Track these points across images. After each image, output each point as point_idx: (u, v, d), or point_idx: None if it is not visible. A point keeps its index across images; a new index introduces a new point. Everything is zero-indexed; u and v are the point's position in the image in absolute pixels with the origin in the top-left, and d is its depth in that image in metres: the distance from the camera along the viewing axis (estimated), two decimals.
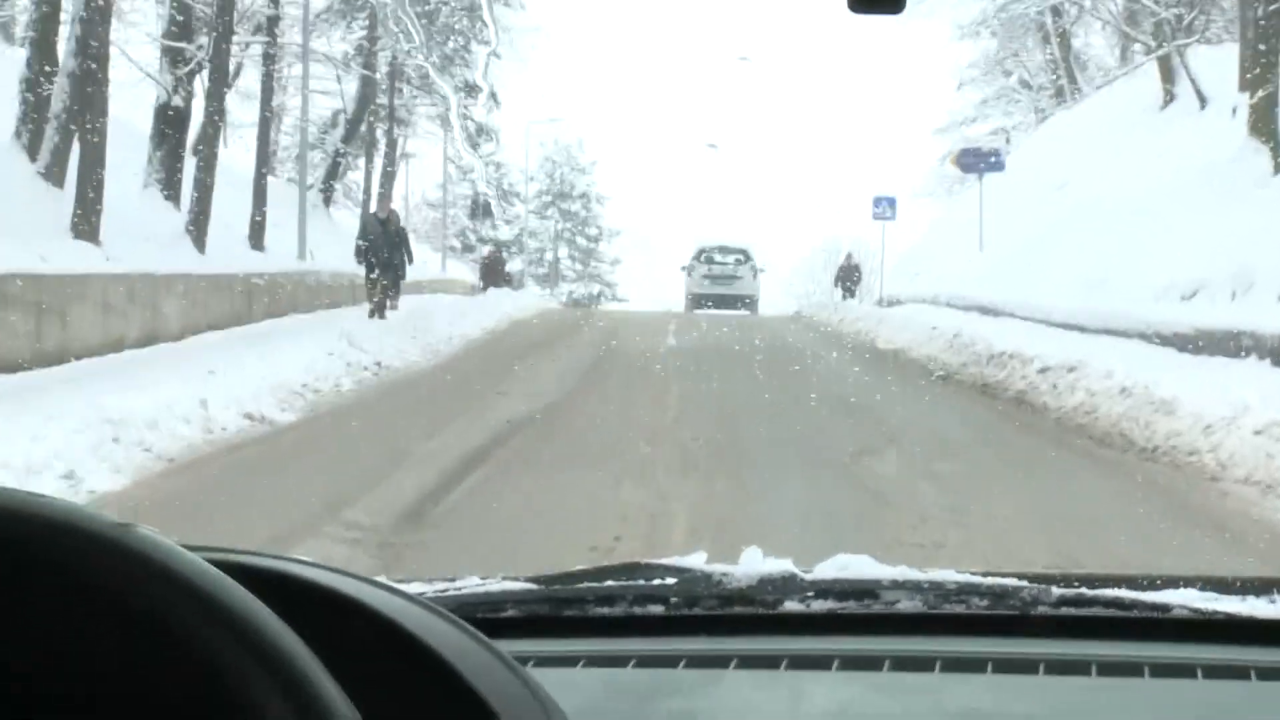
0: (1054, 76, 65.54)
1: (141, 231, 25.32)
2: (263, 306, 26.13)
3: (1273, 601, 2.22)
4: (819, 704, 2.00)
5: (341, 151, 43.77)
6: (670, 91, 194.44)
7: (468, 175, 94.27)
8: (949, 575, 2.27)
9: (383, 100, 46.66)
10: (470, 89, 49.61)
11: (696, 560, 2.39)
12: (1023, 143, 59.49)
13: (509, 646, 1.27)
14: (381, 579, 1.31)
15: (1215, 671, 2.01)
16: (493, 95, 49.93)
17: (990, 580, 2.24)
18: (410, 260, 31.66)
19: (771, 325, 34.65)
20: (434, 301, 33.46)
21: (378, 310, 29.26)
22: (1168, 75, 40.15)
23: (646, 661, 2.11)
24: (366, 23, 43.57)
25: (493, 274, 46.84)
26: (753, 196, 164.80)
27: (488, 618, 2.16)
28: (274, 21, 35.02)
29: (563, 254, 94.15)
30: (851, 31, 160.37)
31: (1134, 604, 2.18)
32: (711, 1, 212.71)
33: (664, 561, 2.40)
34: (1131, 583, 2.32)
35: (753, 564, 2.31)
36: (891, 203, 48.27)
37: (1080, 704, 1.96)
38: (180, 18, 32.63)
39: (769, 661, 2.09)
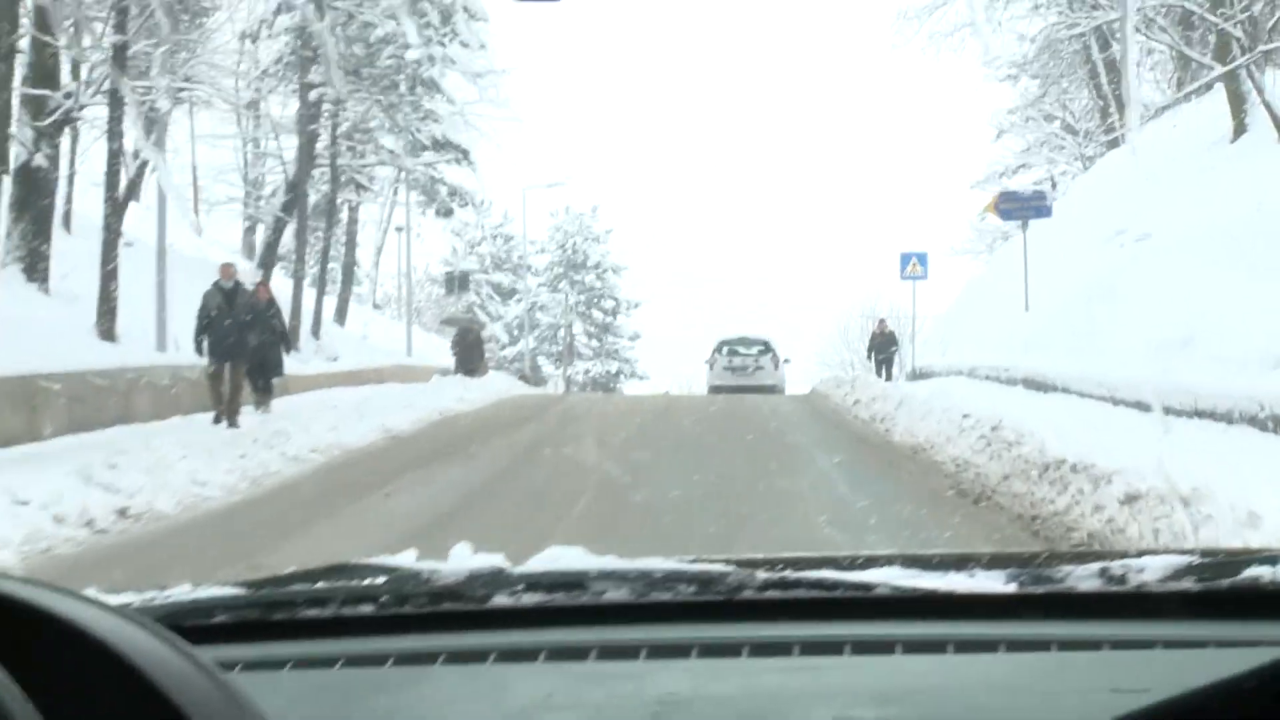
0: (1102, 118, 59.49)
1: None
2: (61, 418, 19.72)
3: (971, 576, 2.25)
4: (524, 695, 2.00)
5: (283, 220, 37.59)
6: (686, 150, 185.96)
7: (474, 249, 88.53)
8: (657, 564, 2.29)
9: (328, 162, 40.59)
10: (439, 146, 43.42)
11: (407, 558, 2.47)
12: (1070, 187, 52.98)
13: (216, 653, 1.30)
14: (86, 592, 1.28)
15: (913, 646, 2.08)
16: (462, 154, 43.70)
17: (697, 567, 2.28)
18: (287, 347, 25.33)
19: (775, 410, 28.26)
20: (352, 396, 27.31)
21: (227, 415, 23.05)
22: (1237, 104, 33.89)
23: (355, 661, 2.12)
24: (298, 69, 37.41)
25: (469, 355, 40.55)
26: (782, 260, 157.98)
27: (197, 625, 2.18)
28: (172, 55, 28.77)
29: (577, 330, 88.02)
30: (882, 79, 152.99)
31: (837, 584, 2.24)
32: (724, 54, 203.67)
33: (374, 561, 2.44)
34: (835, 563, 2.37)
35: (462, 560, 2.45)
36: (922, 259, 42.02)
37: (781, 684, 1.98)
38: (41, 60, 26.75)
39: (476, 656, 2.12)
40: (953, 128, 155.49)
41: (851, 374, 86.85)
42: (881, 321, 44.09)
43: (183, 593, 2.35)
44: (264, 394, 24.63)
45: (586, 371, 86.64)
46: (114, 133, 28.69)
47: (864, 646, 2.09)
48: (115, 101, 27.56)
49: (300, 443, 18.26)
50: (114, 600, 1.26)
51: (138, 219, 39.03)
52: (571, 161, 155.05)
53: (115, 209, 28.31)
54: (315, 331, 37.73)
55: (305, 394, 28.16)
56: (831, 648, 2.08)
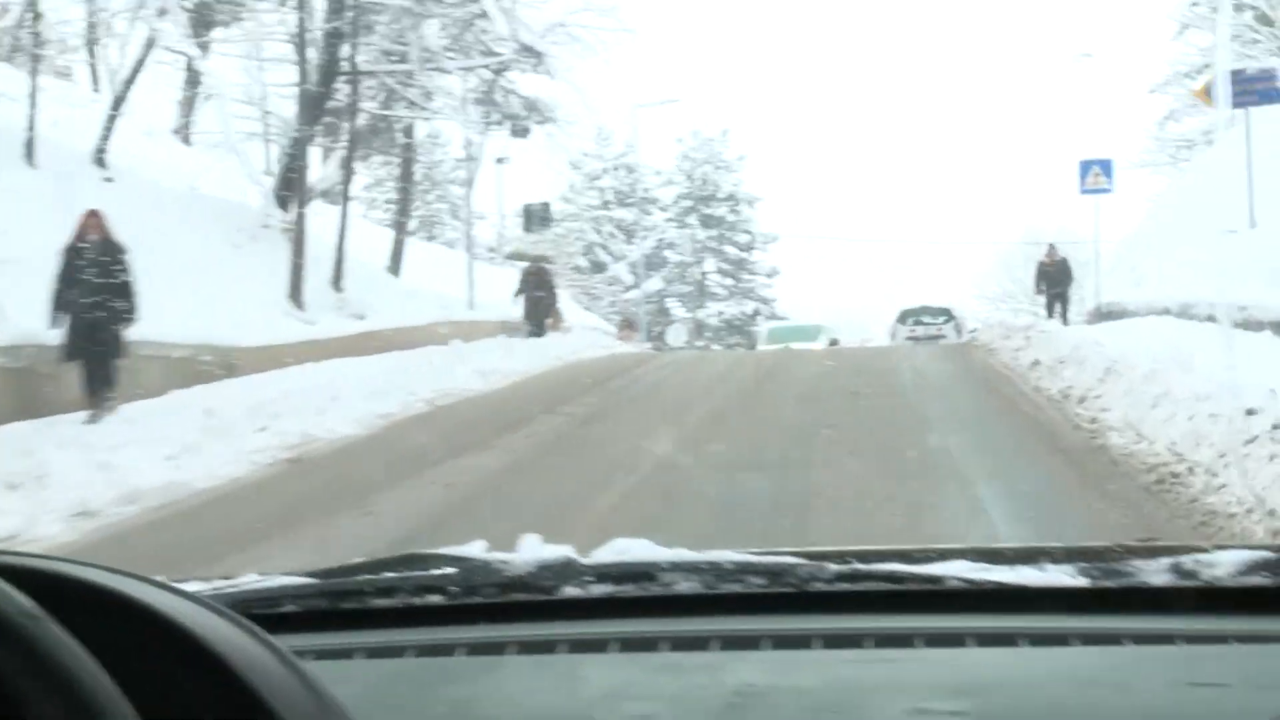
0: None
1: None
2: None
3: (1041, 570, 2.22)
4: (596, 686, 1.98)
5: (303, 137, 29.92)
6: (818, 68, 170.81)
7: (594, 182, 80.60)
8: (727, 555, 2.27)
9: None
10: (514, 52, 35.42)
11: (475, 549, 2.40)
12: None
13: (287, 641, 1.27)
14: (159, 578, 1.28)
15: (985, 639, 2.05)
16: (535, 57, 35.60)
17: (768, 559, 2.26)
18: (128, 315, 16.90)
19: (920, 373, 20.27)
20: (309, 379, 19.71)
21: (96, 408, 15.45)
22: None
23: (425, 651, 2.13)
24: None
25: (536, 305, 32.42)
26: (932, 185, 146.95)
27: (265, 613, 2.13)
28: None
29: (709, 267, 79.79)
30: None
31: (908, 577, 2.21)
32: None
33: (442, 551, 2.39)
34: (906, 556, 2.32)
35: (531, 551, 2.33)
36: (1106, 167, 33.59)
37: (855, 676, 1.97)
38: None
39: (547, 646, 2.11)
40: (1124, 24, 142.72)
41: (1017, 314, 77.45)
42: (1051, 248, 35.28)
43: (250, 581, 2.35)
44: (99, 389, 16.55)
45: (720, 313, 78.52)
46: None
47: (936, 639, 2.06)
48: None
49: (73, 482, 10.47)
50: (185, 588, 1.25)
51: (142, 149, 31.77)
52: (692, 81, 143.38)
53: None
54: (336, 282, 29.95)
55: (256, 375, 20.34)
56: (903, 640, 2.06)
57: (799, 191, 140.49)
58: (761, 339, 47.30)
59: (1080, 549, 2.37)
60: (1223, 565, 2.15)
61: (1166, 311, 26.55)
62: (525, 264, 36.05)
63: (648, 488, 11.62)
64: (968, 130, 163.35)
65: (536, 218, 44.49)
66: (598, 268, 78.42)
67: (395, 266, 37.84)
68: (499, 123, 38.22)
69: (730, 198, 79.41)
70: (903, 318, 49.34)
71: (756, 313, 78.69)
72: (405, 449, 14.58)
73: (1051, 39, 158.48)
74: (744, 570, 2.23)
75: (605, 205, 79.94)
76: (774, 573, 2.22)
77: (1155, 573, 2.18)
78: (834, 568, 2.21)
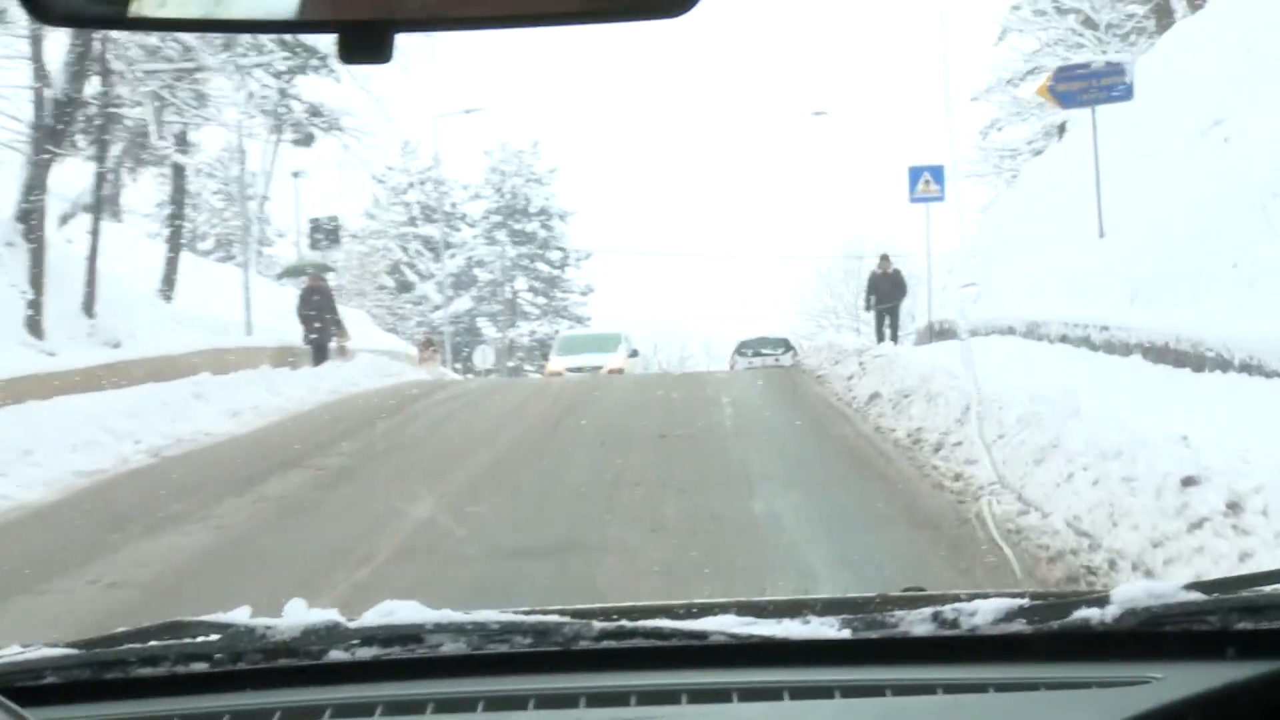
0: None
1: None
2: None
3: (805, 622, 2.24)
4: None
5: (40, 146, 26.37)
6: (631, 75, 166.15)
7: (400, 196, 77.07)
8: (492, 616, 2.28)
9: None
10: (285, 49, 32.07)
11: (241, 615, 2.37)
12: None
13: (49, 714, 1.26)
14: None
15: (750, 694, 2.09)
16: (320, 60, 32.32)
17: (534, 618, 2.28)
18: None
19: (742, 407, 17.57)
20: None
21: None
22: None
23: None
24: None
25: (316, 323, 28.87)
26: (748, 201, 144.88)
27: (28, 686, 2.15)
28: None
29: (520, 286, 76.75)
30: None
31: (673, 633, 2.23)
32: None
33: (208, 618, 2.37)
34: (670, 612, 2.35)
35: (297, 615, 2.31)
36: (937, 174, 31.18)
37: None
38: None
39: (312, 712, 2.10)
40: (944, 31, 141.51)
41: (839, 330, 75.07)
42: (884, 259, 32.60)
43: (12, 654, 2.28)
44: None
45: (533, 333, 75.44)
46: None
47: (701, 695, 2.10)
48: None
49: None
50: None
51: None
52: (497, 90, 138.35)
53: None
54: (88, 307, 26.41)
55: None
56: (668, 696, 2.09)
57: (613, 206, 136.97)
58: (555, 350, 43.31)
59: (844, 600, 2.44)
60: (981, 614, 2.20)
61: (1011, 330, 24.08)
62: (305, 277, 32.07)
63: (386, 583, 8.61)
64: (787, 143, 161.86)
65: (324, 233, 41.01)
66: (405, 287, 74.98)
67: (168, 289, 34.28)
68: (278, 130, 34.88)
69: (542, 212, 76.53)
70: (741, 349, 48.42)
71: (635, 352, 75.84)
72: (90, 522, 11.39)
73: (868, 46, 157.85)
74: (509, 630, 2.25)
75: (412, 221, 76.53)
76: (539, 632, 2.24)
77: (917, 623, 2.22)
78: (599, 625, 2.23)
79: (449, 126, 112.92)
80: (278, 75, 33.61)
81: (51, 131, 26.62)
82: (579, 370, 37.50)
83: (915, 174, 31.09)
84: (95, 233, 27.02)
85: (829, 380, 20.41)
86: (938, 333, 30.58)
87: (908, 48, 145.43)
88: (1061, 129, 36.92)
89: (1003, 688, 2.08)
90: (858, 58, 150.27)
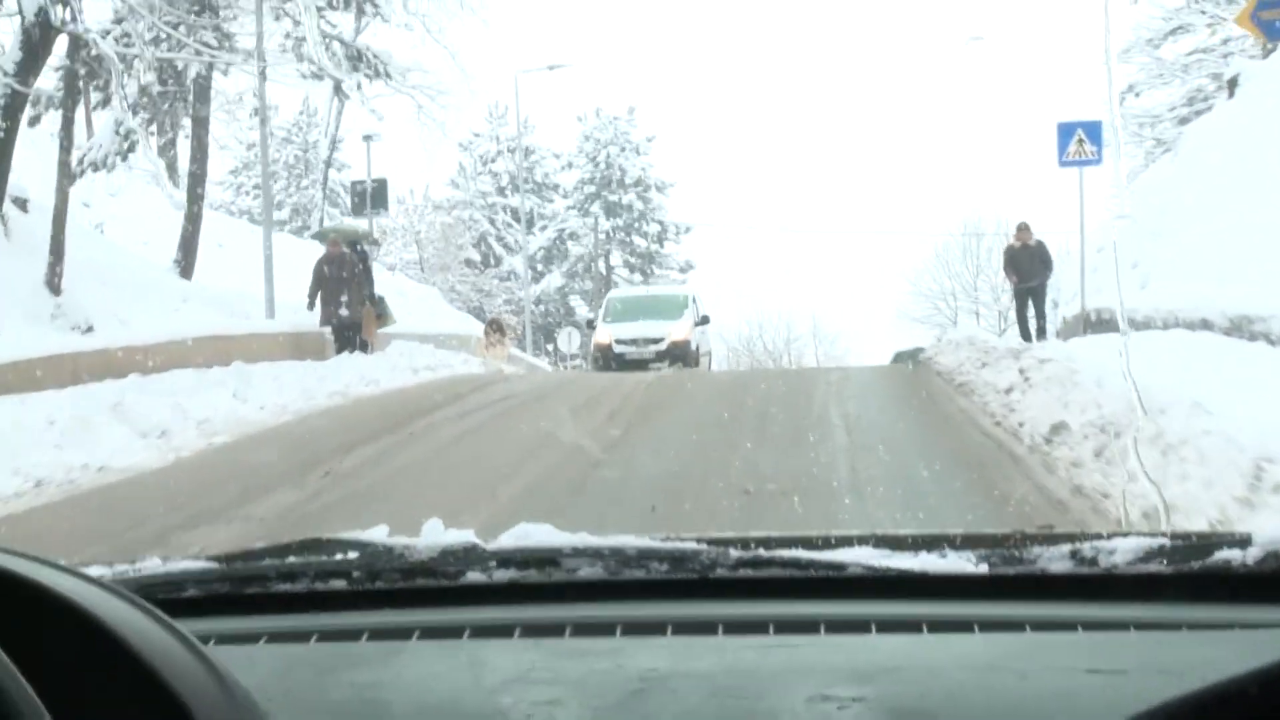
0: None
1: None
2: None
3: (943, 556, 2.23)
4: (500, 671, 1.97)
5: (21, 92, 21.73)
6: (735, 34, 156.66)
7: (488, 165, 72.31)
8: (629, 541, 2.30)
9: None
10: None
11: (378, 534, 2.40)
12: None
13: (190, 626, 1.27)
14: (61, 561, 1.26)
15: (888, 625, 2.07)
16: None
17: (670, 545, 2.27)
18: None
19: (861, 435, 12.60)
20: None
21: None
22: None
23: (329, 636, 2.13)
24: None
25: (339, 308, 23.79)
26: (866, 172, 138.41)
27: (170, 598, 2.18)
28: None
29: (615, 261, 71.80)
30: None
31: (810, 564, 2.23)
32: None
33: (345, 536, 2.39)
34: (808, 543, 2.33)
35: (434, 536, 2.33)
36: (1093, 132, 25.90)
37: (758, 661, 1.97)
38: None
39: (451, 632, 2.11)
40: None
41: (957, 315, 68.85)
42: (1023, 229, 26.89)
43: (154, 566, 2.33)
44: None
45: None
46: None
47: (839, 625, 2.09)
48: None
49: None
50: (89, 572, 1.23)
51: None
52: (590, 49, 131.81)
53: None
54: (52, 283, 21.61)
55: None
56: (807, 626, 2.08)
57: (715, 177, 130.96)
58: (602, 315, 34.83)
59: (981, 536, 2.38)
60: (1120, 553, 2.21)
61: (1206, 325, 18.81)
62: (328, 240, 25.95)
63: None
64: (898, 114, 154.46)
65: (362, 196, 35.47)
66: (491, 261, 70.35)
67: (187, 263, 29.50)
68: (318, 76, 29.95)
69: (638, 183, 71.65)
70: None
71: (706, 319, 70.78)
72: None
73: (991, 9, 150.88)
74: (647, 556, 2.25)
75: (500, 191, 71.97)
76: (676, 559, 2.24)
77: (1055, 560, 2.22)
78: (737, 554, 2.24)
79: (535, 88, 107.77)
80: (322, 11, 28.66)
81: (21, 65, 21.92)
82: (634, 343, 32.13)
83: (1066, 132, 25.81)
84: (61, 192, 22.15)
85: (976, 391, 15.33)
86: (1094, 323, 25.25)
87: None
88: (1232, 84, 31.47)
89: (1143, 626, 2.05)
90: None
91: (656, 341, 32.26)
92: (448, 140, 71.40)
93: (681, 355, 32.27)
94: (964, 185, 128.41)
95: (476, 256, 69.20)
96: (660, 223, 71.86)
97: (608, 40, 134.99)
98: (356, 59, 30.56)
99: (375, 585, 2.25)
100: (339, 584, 2.25)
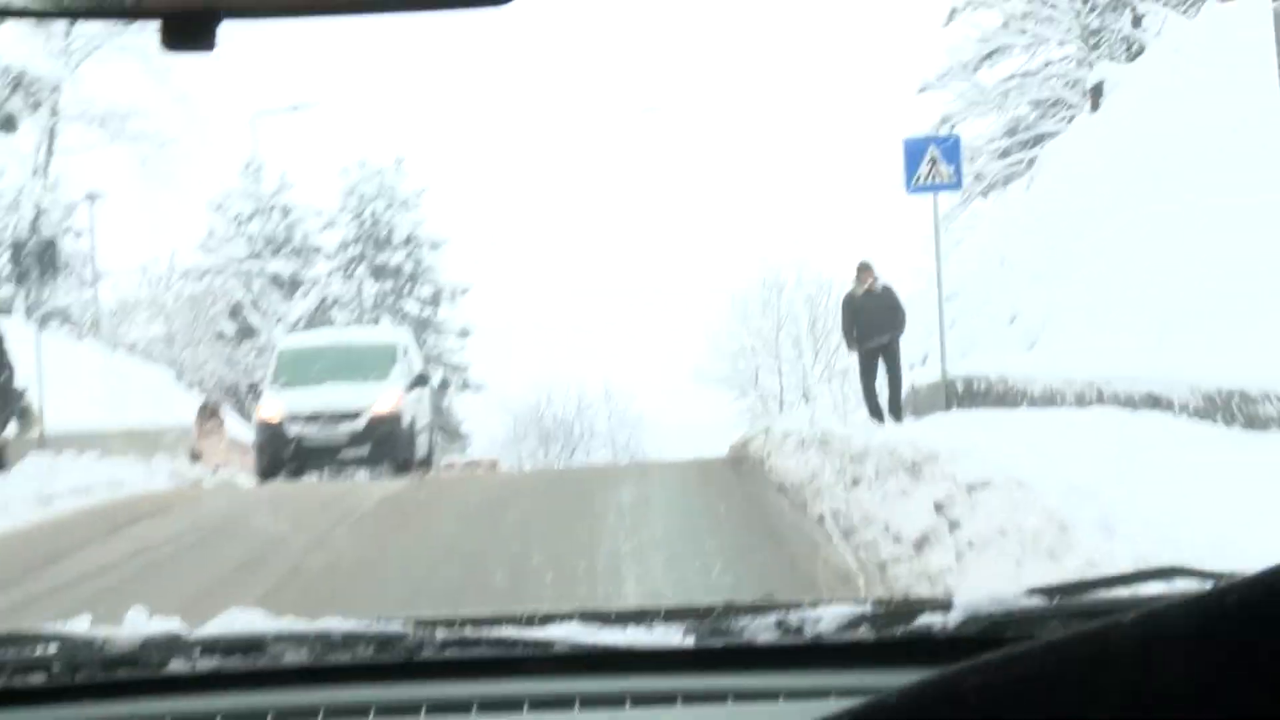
0: None
1: None
2: None
3: (649, 630, 2.26)
4: None
5: None
6: (501, 87, 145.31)
7: (241, 227, 65.44)
8: (335, 625, 2.28)
9: None
10: None
11: (79, 625, 2.41)
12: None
13: None
14: None
15: (591, 701, 2.13)
16: None
17: (376, 628, 2.27)
18: None
19: None
20: None
21: None
22: None
23: None
24: None
25: None
26: (651, 219, 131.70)
27: None
28: None
29: None
30: None
31: (516, 642, 2.25)
32: None
33: (45, 630, 2.34)
34: (515, 621, 2.36)
35: (137, 625, 2.34)
36: (949, 149, 20.60)
37: None
38: None
39: None
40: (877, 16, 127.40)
41: (758, 373, 63.52)
42: (864, 269, 20.56)
43: None
44: None
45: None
46: None
47: (543, 703, 2.12)
48: None
49: None
50: None
51: None
52: (349, 90, 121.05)
53: None
54: None
55: None
56: (511, 705, 2.12)
57: (493, 231, 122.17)
58: (270, 376, 25.28)
59: (689, 609, 2.40)
60: (825, 621, 2.23)
61: (1154, 401, 13.05)
62: None
63: None
64: (700, 156, 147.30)
65: (41, 258, 28.36)
66: (248, 332, 63.57)
67: None
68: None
69: (409, 241, 65.04)
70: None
71: (446, 383, 64.38)
72: None
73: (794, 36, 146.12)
74: (352, 640, 2.24)
75: (257, 255, 65.21)
76: (383, 641, 2.24)
77: (761, 630, 2.24)
78: (443, 634, 2.24)
79: (290, 138, 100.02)
80: None
81: None
82: (316, 420, 22.93)
83: (916, 151, 20.34)
84: None
85: (860, 539, 9.38)
86: (961, 395, 19.52)
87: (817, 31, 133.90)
88: (1096, 93, 26.51)
89: (844, 693, 2.08)
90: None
91: (351, 417, 22.87)
92: (184, 197, 64.41)
93: (389, 437, 23.05)
94: (762, 231, 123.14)
95: (231, 329, 62.41)
96: (434, 284, 65.52)
97: (366, 85, 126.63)
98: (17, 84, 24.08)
99: (75, 679, 2.19)
100: (38, 678, 2.20)
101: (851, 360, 22.14)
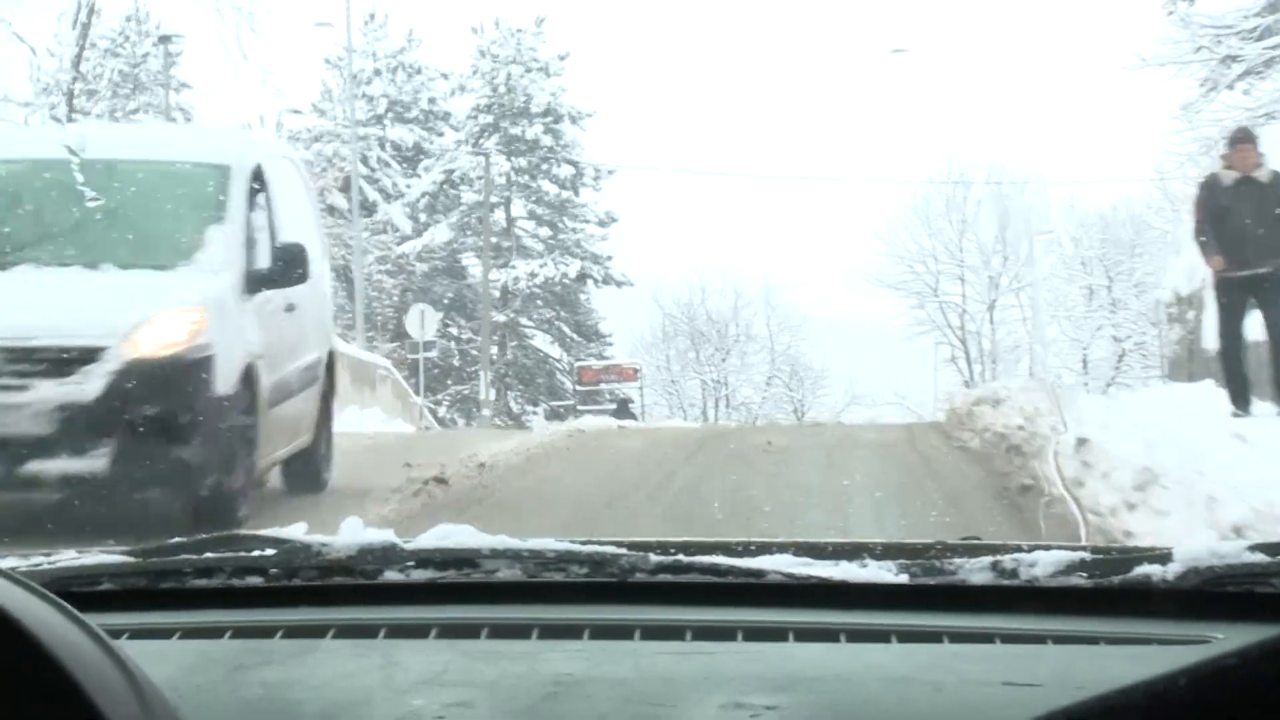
0: None
1: None
2: None
3: (863, 565, 2.25)
4: (414, 671, 1.98)
5: None
6: None
7: (363, 88, 58.32)
8: (548, 544, 2.30)
9: None
10: None
11: (297, 530, 2.42)
12: None
13: (103, 620, 1.26)
14: None
15: (805, 634, 2.09)
16: None
17: (590, 549, 2.28)
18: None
19: None
20: None
21: None
22: None
23: (243, 632, 2.14)
24: None
25: None
26: (822, 103, 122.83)
27: (83, 591, 2.17)
28: None
29: (517, 210, 58.19)
30: None
31: (729, 570, 2.24)
32: None
33: (263, 532, 2.42)
34: (728, 549, 2.37)
35: (353, 534, 2.33)
36: None
37: (673, 667, 2.00)
38: None
39: (366, 631, 2.13)
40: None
41: (939, 279, 59.46)
42: (1242, 141, 12.37)
43: (68, 559, 2.34)
44: None
45: (532, 276, 56.77)
46: None
47: (756, 633, 2.10)
48: None
49: None
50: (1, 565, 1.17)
51: None
52: None
53: None
54: None
55: None
56: (724, 633, 2.10)
57: (643, 109, 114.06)
58: None
59: (902, 546, 2.45)
60: (1041, 565, 2.21)
61: None
62: None
63: None
64: (866, 34, 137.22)
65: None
66: (365, 209, 56.81)
67: None
68: None
69: (547, 113, 58.07)
70: None
71: (584, 275, 56.88)
72: None
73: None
74: (566, 559, 2.25)
75: (377, 121, 58.33)
76: (596, 562, 2.24)
77: (975, 571, 2.23)
78: (656, 558, 2.24)
79: None
80: None
81: None
82: None
83: None
84: None
85: None
86: None
87: None
88: None
89: (1060, 639, 2.06)
90: None
91: (71, 363, 9.65)
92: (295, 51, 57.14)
93: (166, 426, 9.80)
94: (947, 125, 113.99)
95: (344, 203, 55.78)
96: (575, 164, 58.11)
97: None
98: None
99: (292, 582, 2.24)
100: (255, 580, 2.24)
101: (1194, 285, 13.75)
